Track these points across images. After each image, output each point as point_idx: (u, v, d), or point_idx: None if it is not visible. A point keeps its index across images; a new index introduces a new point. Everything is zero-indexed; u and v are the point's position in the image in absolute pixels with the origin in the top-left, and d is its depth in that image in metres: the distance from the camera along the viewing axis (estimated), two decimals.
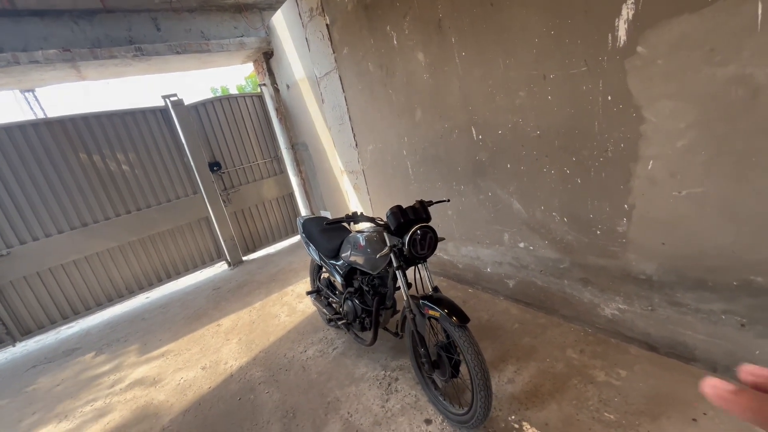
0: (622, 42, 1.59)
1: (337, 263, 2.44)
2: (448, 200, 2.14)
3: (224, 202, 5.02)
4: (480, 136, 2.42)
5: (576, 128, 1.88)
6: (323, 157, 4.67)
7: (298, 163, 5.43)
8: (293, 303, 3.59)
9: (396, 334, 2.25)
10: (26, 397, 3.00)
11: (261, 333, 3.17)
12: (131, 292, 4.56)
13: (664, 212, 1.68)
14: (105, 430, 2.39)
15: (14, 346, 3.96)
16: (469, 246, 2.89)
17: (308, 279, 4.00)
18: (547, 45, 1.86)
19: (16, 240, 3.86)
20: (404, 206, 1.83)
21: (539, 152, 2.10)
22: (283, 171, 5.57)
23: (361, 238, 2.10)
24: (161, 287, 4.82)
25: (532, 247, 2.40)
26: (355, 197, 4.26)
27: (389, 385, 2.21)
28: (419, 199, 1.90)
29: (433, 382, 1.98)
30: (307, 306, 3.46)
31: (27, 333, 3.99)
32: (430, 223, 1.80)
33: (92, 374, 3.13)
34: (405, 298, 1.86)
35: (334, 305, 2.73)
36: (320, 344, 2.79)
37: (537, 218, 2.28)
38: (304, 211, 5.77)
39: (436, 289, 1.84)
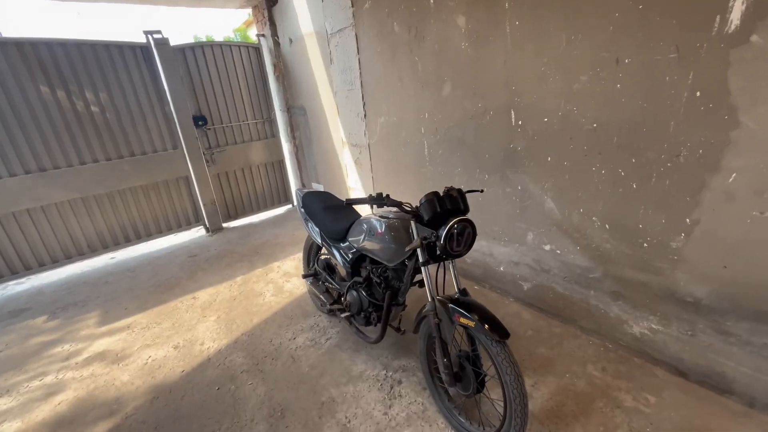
0: (732, 27, 1.33)
1: (343, 246, 2.15)
2: (482, 191, 1.87)
3: (207, 161, 4.54)
4: (519, 122, 2.15)
5: (645, 125, 1.64)
6: (323, 125, 4.26)
7: (292, 128, 4.98)
8: (279, 281, 3.28)
9: (398, 330, 2.03)
10: None
11: (243, 312, 2.86)
12: (94, 251, 4.09)
13: (734, 233, 1.49)
14: (55, 413, 2.05)
15: None
16: (483, 241, 2.66)
17: (296, 256, 3.69)
18: (629, 22, 1.58)
19: None
20: (438, 193, 1.55)
21: (591, 148, 1.86)
22: (275, 135, 5.10)
23: (379, 224, 1.81)
24: (129, 248, 4.36)
25: (559, 252, 2.19)
26: (355, 173, 3.93)
27: (392, 388, 1.99)
28: (455, 187, 1.62)
29: (446, 392, 1.77)
30: (296, 286, 3.16)
31: None
32: (468, 216, 1.54)
33: (43, 341, 2.74)
34: (429, 299, 1.61)
35: (332, 292, 2.45)
36: (311, 332, 2.53)
37: (572, 221, 2.06)
38: (294, 182, 5.37)
39: (464, 292, 1.59)
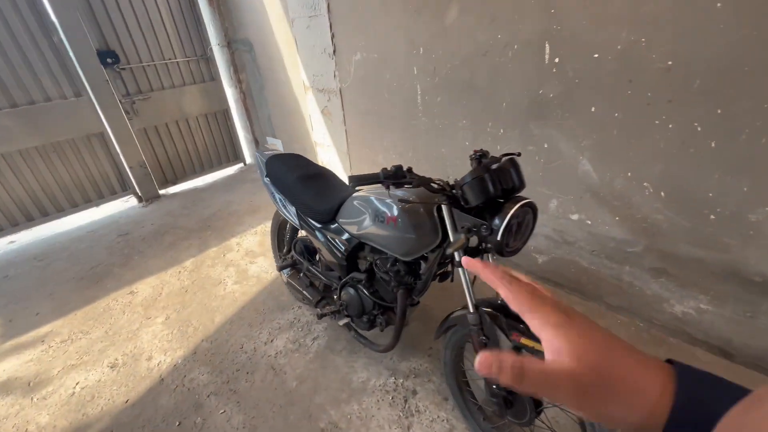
0: None
1: (332, 230, 1.62)
2: (519, 154, 1.39)
3: (128, 113, 3.55)
4: (556, 60, 1.64)
5: (747, 63, 1.22)
6: (277, 65, 3.42)
7: (236, 68, 4.03)
8: (242, 263, 2.70)
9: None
10: None
11: (200, 309, 2.29)
12: None
13: None
14: None
15: None
16: None
17: (258, 228, 3.09)
18: None
19: None
20: (489, 167, 1.06)
21: (658, 95, 1.43)
22: (214, 78, 4.12)
23: (390, 207, 1.30)
24: (34, 229, 3.42)
25: (590, 222, 1.85)
26: (322, 126, 3.25)
27: (406, 401, 1.62)
28: (508, 154, 1.13)
29: (479, 408, 1.44)
30: (263, 269, 2.61)
31: None
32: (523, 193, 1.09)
33: None
34: (471, 310, 1.18)
35: (317, 283, 1.95)
36: (292, 331, 2.06)
37: (614, 187, 1.69)
38: (243, 135, 4.51)
39: None
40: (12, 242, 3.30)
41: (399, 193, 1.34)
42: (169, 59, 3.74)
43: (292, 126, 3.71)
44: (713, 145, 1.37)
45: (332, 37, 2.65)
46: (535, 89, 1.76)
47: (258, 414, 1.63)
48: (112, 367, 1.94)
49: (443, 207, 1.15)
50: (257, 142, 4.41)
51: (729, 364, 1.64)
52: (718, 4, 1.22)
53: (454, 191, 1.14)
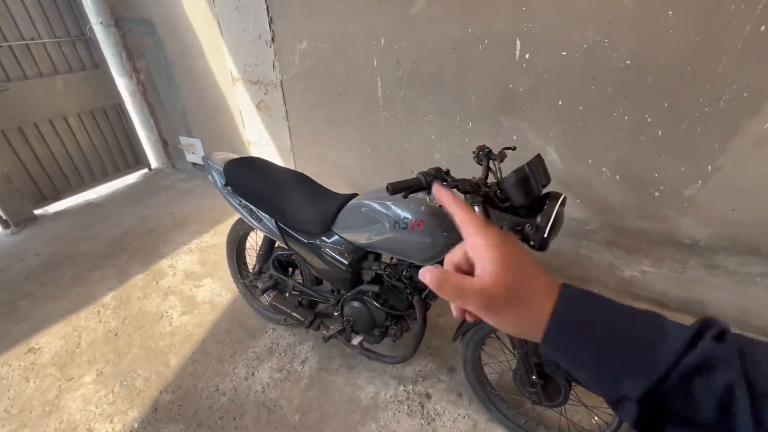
0: None
1: (326, 242, 1.46)
2: (514, 148, 1.44)
3: None
4: (527, 56, 1.73)
5: (690, 64, 1.46)
6: (192, 51, 2.92)
7: (130, 54, 3.31)
8: (185, 289, 2.28)
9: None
10: None
11: (144, 354, 1.87)
12: None
13: (753, 178, 1.53)
14: None
15: None
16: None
17: (193, 245, 2.66)
18: None
19: None
20: (531, 166, 1.07)
21: (617, 90, 1.62)
22: (99, 65, 3.32)
23: (414, 213, 1.22)
24: None
25: None
26: (258, 123, 2.90)
27: (423, 407, 1.58)
28: (506, 147, 1.18)
29: (501, 399, 1.49)
30: (215, 292, 2.25)
31: None
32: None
33: None
34: None
35: (303, 299, 1.74)
36: (274, 358, 1.82)
37: (577, 173, 1.88)
38: (146, 135, 3.77)
39: None
40: None
41: (421, 200, 1.26)
42: (31, 39, 2.88)
43: (215, 123, 3.23)
44: (660, 133, 1.62)
45: (270, 21, 2.35)
46: (505, 83, 1.84)
47: None
48: None
49: (476, 208, 1.11)
50: (165, 143, 3.74)
51: (666, 311, 2.00)
52: (670, 12, 1.41)
53: (487, 190, 1.12)
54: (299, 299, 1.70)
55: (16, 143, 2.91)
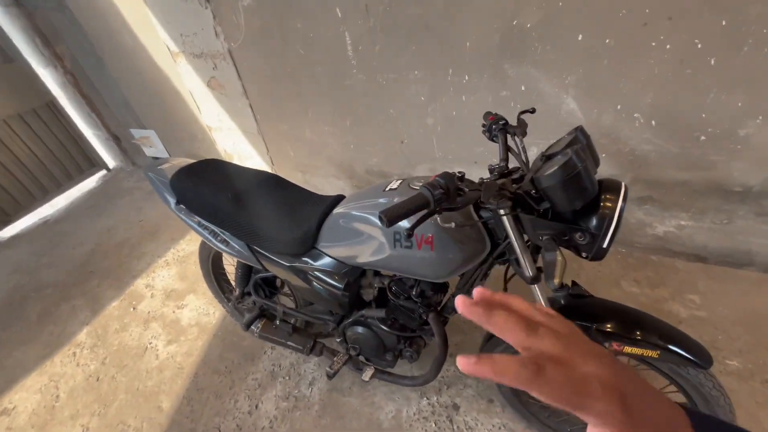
0: None
1: (311, 264, 1.17)
2: (533, 110, 1.10)
3: None
4: None
5: None
6: (115, 25, 2.39)
7: (47, 40, 2.75)
8: (167, 312, 2.03)
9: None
10: None
11: (133, 399, 1.65)
12: None
13: None
14: None
15: None
16: (462, 166, 2.00)
17: (169, 257, 2.37)
18: None
19: None
20: (577, 150, 0.75)
21: (657, 10, 1.24)
22: (13, 59, 2.77)
23: (429, 227, 0.91)
24: None
25: None
26: (213, 103, 2.47)
27: (451, 420, 1.41)
28: (522, 111, 0.88)
29: (542, 407, 1.30)
30: (201, 311, 2.00)
31: None
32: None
33: None
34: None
35: (290, 319, 1.49)
36: (278, 384, 1.62)
37: (602, 123, 1.55)
38: (93, 133, 3.30)
39: (577, 287, 0.99)
40: None
41: (383, 200, 0.96)
42: None
43: (165, 109, 2.77)
44: (713, 62, 1.27)
45: None
46: (509, 19, 1.43)
47: None
48: None
49: (505, 219, 0.81)
50: (117, 139, 3.28)
51: (704, 266, 1.79)
52: None
53: (517, 190, 0.81)
54: (293, 323, 1.45)
55: None
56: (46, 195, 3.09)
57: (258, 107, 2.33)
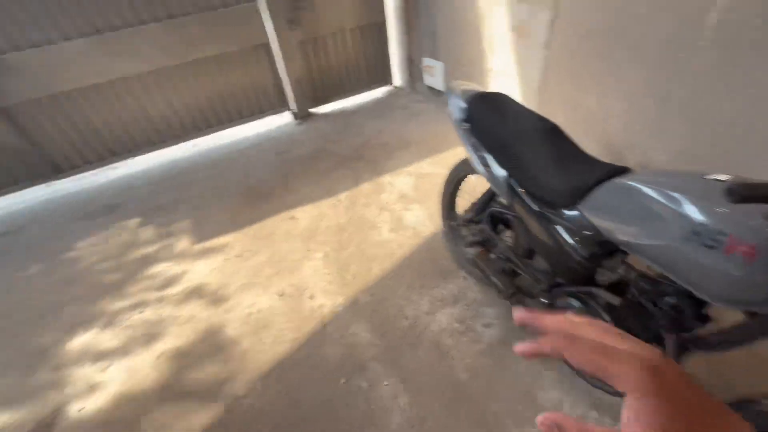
0: None
1: (565, 218, 1.15)
2: None
3: (291, 22, 3.35)
4: None
5: None
6: None
7: None
8: (396, 209, 2.47)
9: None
10: (63, 269, 2.38)
11: (357, 253, 2.18)
12: (174, 137, 3.54)
13: None
14: (157, 372, 1.71)
15: (47, 185, 3.27)
16: None
17: (411, 169, 2.78)
18: None
19: (5, 42, 2.64)
20: None
21: None
22: None
23: (755, 230, 0.74)
24: (210, 136, 3.73)
25: None
26: (507, 48, 2.54)
27: None
28: None
29: None
30: (419, 220, 2.34)
31: (60, 172, 3.23)
32: None
33: (139, 256, 2.40)
34: None
35: (505, 266, 1.56)
36: (458, 307, 1.79)
37: None
38: (397, 54, 4.01)
39: None
40: (194, 146, 3.67)
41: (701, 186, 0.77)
42: None
43: (460, 45, 3.05)
44: None
45: None
46: None
47: (424, 401, 1.46)
48: (279, 296, 1.99)
49: None
50: (411, 62, 3.89)
51: None
52: None
53: None
54: (504, 266, 1.52)
55: (309, 53, 3.62)
56: (349, 92, 4.06)
57: (553, 61, 2.26)
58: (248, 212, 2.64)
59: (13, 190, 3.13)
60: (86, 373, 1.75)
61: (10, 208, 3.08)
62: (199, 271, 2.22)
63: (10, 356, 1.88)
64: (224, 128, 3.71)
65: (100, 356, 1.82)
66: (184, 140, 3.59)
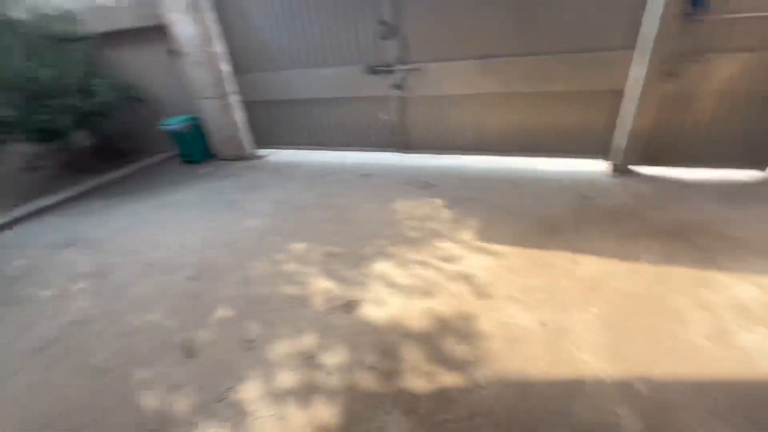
0: None
1: None
2: None
3: (669, 74, 3.07)
4: None
5: None
6: None
7: None
8: (726, 318, 1.89)
9: None
10: (386, 212, 3.24)
11: (644, 334, 1.84)
12: (495, 149, 4.05)
13: None
14: (422, 328, 2.07)
15: (398, 154, 4.50)
16: None
17: (766, 282, 2.02)
18: None
19: (428, 57, 3.76)
20: None
21: None
22: None
23: None
24: (519, 157, 4.03)
25: None
26: None
27: None
28: None
29: None
30: (761, 347, 1.70)
31: (409, 149, 4.38)
32: None
33: (435, 229, 2.95)
34: None
35: None
36: None
37: None
38: None
39: None
40: (501, 161, 4.09)
41: None
42: None
43: None
44: None
45: None
46: None
47: None
48: (541, 324, 1.96)
49: None
50: None
51: None
52: None
53: None
54: None
55: (672, 106, 3.22)
56: (695, 163, 3.36)
57: None
58: (532, 236, 2.71)
59: (376, 151, 4.51)
60: (378, 290, 2.34)
61: (370, 161, 4.47)
62: (473, 264, 2.49)
63: (346, 254, 2.76)
64: (534, 156, 3.92)
65: (390, 285, 2.38)
66: (500, 155, 4.05)
